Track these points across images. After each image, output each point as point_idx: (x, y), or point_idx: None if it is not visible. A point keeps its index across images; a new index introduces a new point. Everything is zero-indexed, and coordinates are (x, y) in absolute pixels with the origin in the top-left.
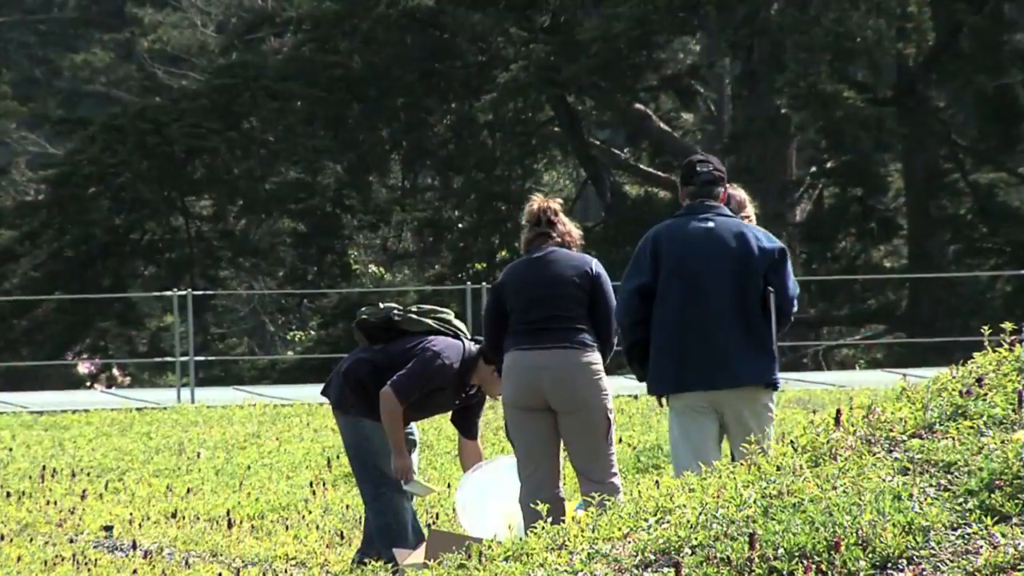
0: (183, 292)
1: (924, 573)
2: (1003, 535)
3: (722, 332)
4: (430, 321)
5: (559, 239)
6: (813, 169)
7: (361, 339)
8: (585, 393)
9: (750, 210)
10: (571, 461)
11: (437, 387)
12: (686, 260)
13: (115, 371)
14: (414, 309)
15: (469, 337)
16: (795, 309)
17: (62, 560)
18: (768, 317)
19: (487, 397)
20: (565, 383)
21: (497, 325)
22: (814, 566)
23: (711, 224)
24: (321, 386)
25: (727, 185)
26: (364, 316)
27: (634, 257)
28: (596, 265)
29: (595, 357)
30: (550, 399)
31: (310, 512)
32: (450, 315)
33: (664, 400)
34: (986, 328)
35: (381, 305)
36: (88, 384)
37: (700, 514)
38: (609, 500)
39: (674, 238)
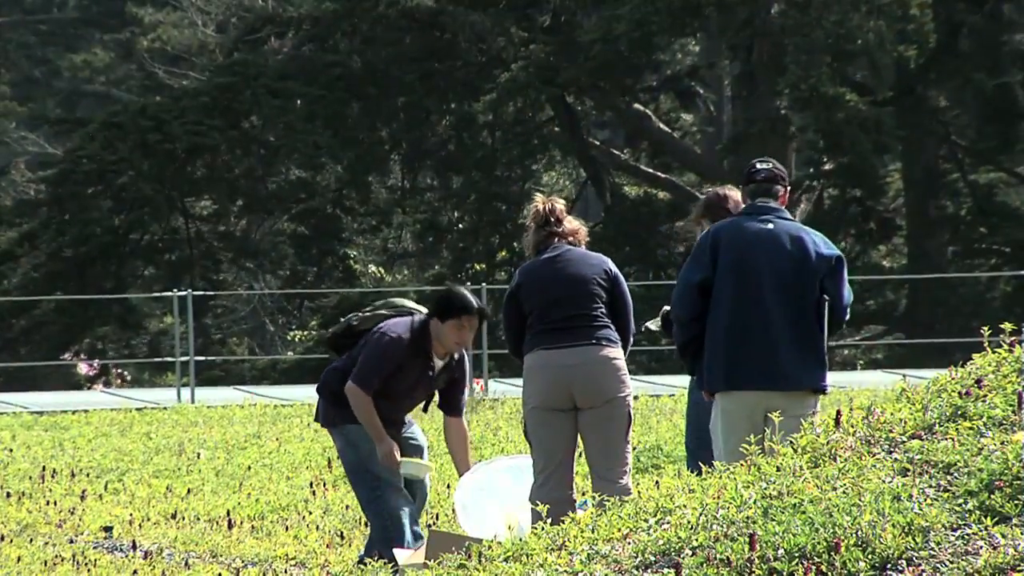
0: (183, 292)
1: (924, 574)
2: (1003, 536)
3: (774, 334)
4: (383, 311)
5: (568, 237)
6: (812, 170)
7: (333, 355)
8: (611, 390)
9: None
10: (588, 459)
11: (397, 366)
12: (744, 259)
13: (113, 372)
14: (368, 308)
15: (423, 313)
16: (847, 317)
17: (62, 561)
18: (821, 323)
19: (466, 371)
20: (592, 379)
21: (518, 328)
22: (814, 567)
23: (771, 226)
24: None
25: (788, 185)
26: (329, 333)
27: (693, 253)
28: (613, 265)
29: (619, 353)
30: (577, 396)
31: (310, 512)
32: (402, 300)
33: (711, 396)
34: (986, 329)
35: (342, 320)
36: (87, 385)
37: (700, 515)
38: (610, 500)
39: (734, 236)
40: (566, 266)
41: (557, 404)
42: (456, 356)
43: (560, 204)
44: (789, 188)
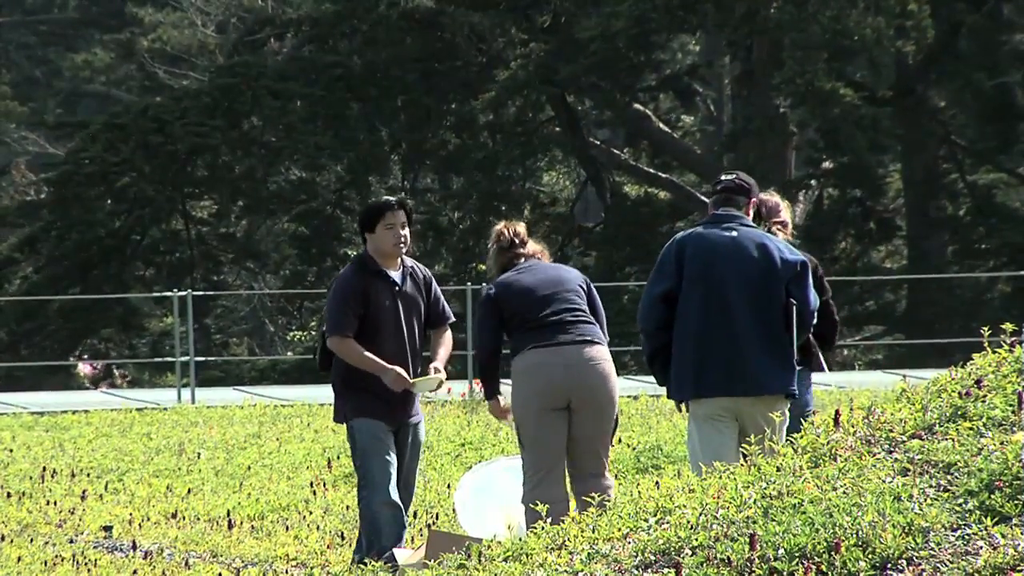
0: (183, 292)
1: (924, 574)
2: (1003, 536)
3: (743, 340)
4: None
5: (533, 257)
6: (811, 170)
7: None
8: (608, 389)
9: (785, 215)
10: (574, 458)
11: (364, 298)
12: (709, 267)
13: (117, 373)
14: None
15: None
16: (814, 321)
17: (62, 560)
18: (789, 328)
19: (432, 282)
20: (590, 379)
21: (495, 334)
22: (814, 567)
23: (734, 233)
24: (322, 387)
25: (755, 197)
26: (316, 358)
27: (658, 263)
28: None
29: (608, 353)
30: (574, 395)
31: (310, 513)
32: None
33: (684, 406)
34: (985, 329)
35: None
36: (89, 385)
37: (700, 515)
38: (609, 500)
39: (698, 245)
40: (544, 271)
41: (556, 403)
42: (410, 264)
43: (522, 227)
44: (755, 200)
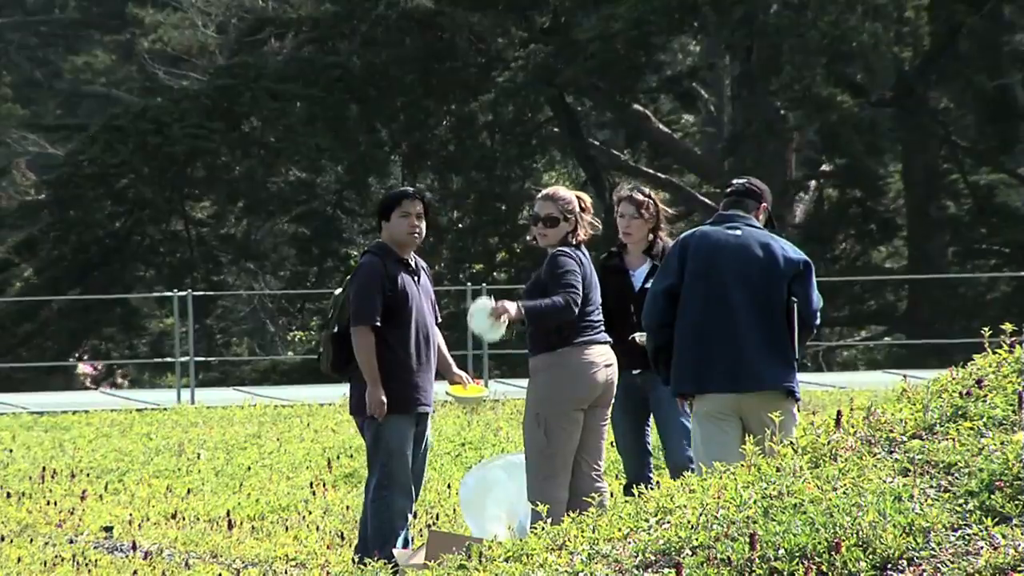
0: (183, 293)
1: (924, 574)
2: (1003, 536)
3: (743, 336)
4: (343, 293)
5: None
6: (811, 171)
7: (338, 374)
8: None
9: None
10: (584, 455)
11: (392, 284)
12: (711, 264)
13: (118, 373)
14: (330, 311)
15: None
16: (817, 322)
17: (62, 561)
18: (791, 326)
19: (431, 280)
20: (616, 377)
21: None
22: (815, 567)
23: (738, 232)
24: (322, 387)
25: (766, 202)
26: (328, 362)
27: (664, 261)
28: None
29: None
30: (605, 393)
31: (310, 513)
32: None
33: (688, 404)
34: (986, 329)
35: (321, 350)
36: (90, 385)
37: (701, 515)
38: (609, 500)
39: (701, 243)
40: (590, 263)
41: (591, 401)
42: (415, 261)
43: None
44: (765, 206)
